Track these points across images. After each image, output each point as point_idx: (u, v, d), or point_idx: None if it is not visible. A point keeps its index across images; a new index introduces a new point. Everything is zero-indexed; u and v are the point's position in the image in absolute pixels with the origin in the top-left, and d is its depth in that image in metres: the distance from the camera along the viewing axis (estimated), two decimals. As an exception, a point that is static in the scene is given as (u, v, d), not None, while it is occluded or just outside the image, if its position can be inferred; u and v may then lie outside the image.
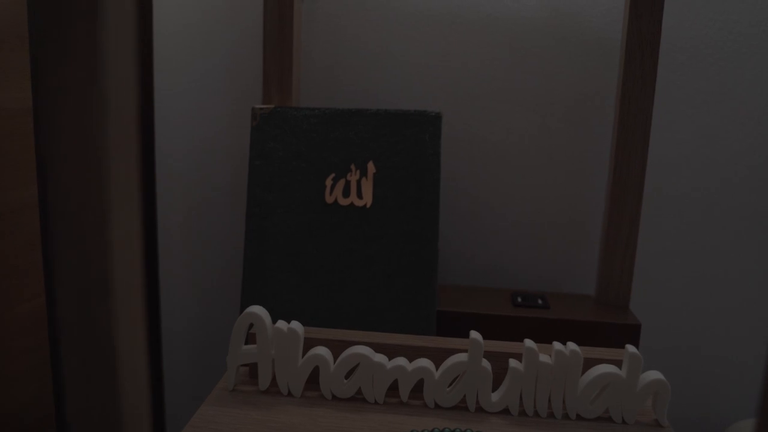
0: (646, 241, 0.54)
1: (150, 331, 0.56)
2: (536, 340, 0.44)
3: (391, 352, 0.39)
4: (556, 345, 0.37)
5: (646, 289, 0.55)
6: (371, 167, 0.42)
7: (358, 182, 0.42)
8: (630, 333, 0.46)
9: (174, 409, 0.59)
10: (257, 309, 0.39)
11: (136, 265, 0.16)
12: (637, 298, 0.55)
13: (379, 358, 0.38)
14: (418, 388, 0.39)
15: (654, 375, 0.38)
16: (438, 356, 0.39)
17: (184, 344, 0.59)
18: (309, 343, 0.39)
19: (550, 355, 0.38)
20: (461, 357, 0.38)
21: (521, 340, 0.39)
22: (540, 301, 0.48)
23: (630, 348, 0.37)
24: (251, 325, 0.39)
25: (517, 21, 0.53)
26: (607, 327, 0.45)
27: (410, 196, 0.42)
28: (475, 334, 0.37)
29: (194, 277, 0.58)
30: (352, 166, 0.42)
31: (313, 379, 0.39)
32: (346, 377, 0.39)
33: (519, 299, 0.48)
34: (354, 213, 0.43)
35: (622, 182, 0.47)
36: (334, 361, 0.39)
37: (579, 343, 0.45)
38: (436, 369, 0.38)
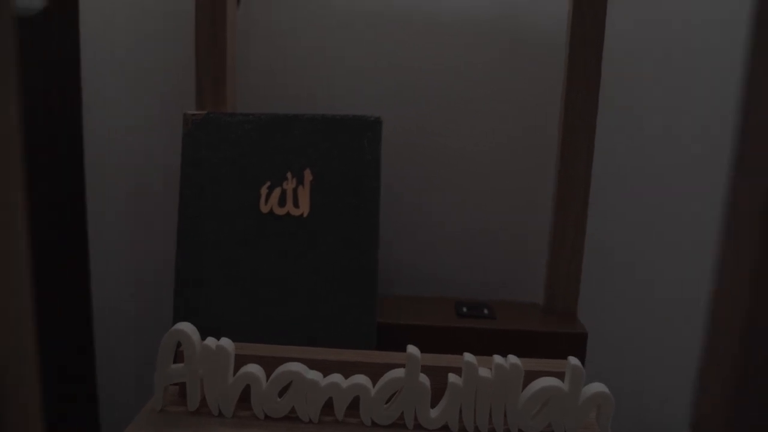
0: (594, 249, 0.53)
1: (83, 349, 0.54)
2: (481, 351, 0.43)
3: (326, 368, 0.37)
4: (497, 358, 0.36)
5: (595, 297, 0.54)
6: (308, 174, 0.41)
7: (294, 190, 0.41)
8: (576, 342, 0.45)
9: (110, 430, 0.56)
10: (184, 326, 0.37)
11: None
12: (587, 306, 0.54)
13: (313, 375, 0.36)
14: (355, 405, 0.37)
15: (597, 387, 0.37)
16: (376, 372, 0.37)
17: (120, 362, 0.56)
18: (241, 360, 0.38)
19: (491, 369, 0.36)
20: (398, 372, 0.36)
21: (466, 352, 0.38)
22: (486, 311, 0.47)
23: (572, 360, 0.36)
24: (180, 343, 0.37)
25: (464, 21, 0.52)
26: (553, 336, 0.45)
27: (349, 204, 0.41)
28: (412, 349, 0.36)
29: (128, 290, 0.55)
30: (289, 174, 0.41)
31: (246, 398, 0.37)
32: (280, 395, 0.37)
33: (464, 309, 0.47)
34: (290, 222, 0.41)
35: (566, 187, 0.47)
36: (267, 379, 0.37)
37: (525, 354, 0.44)
38: (373, 385, 0.37)
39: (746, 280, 0.20)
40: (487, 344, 0.45)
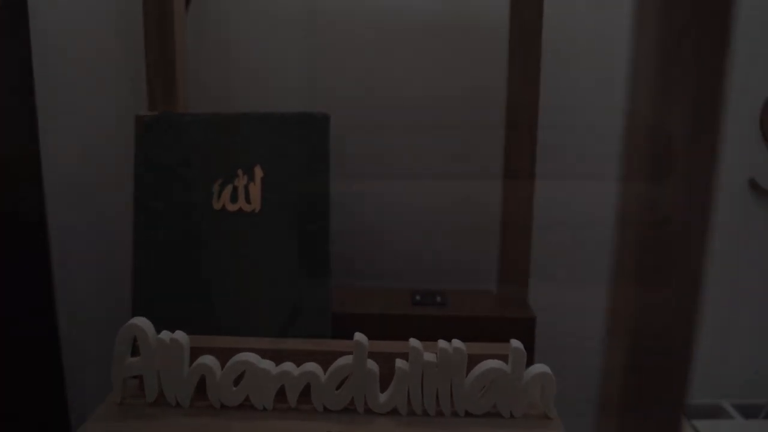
0: (542, 239, 0.55)
1: (48, 351, 0.55)
2: (435, 338, 0.44)
3: (280, 357, 0.39)
4: (441, 343, 0.38)
5: (546, 283, 0.56)
6: (258, 171, 0.42)
7: (246, 187, 0.42)
8: (526, 327, 0.47)
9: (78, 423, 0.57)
10: (139, 320, 0.38)
11: None
12: (539, 292, 0.56)
13: (266, 364, 0.38)
14: (308, 392, 0.38)
15: (539, 368, 0.39)
16: (328, 360, 0.39)
17: (86, 359, 0.57)
18: (196, 352, 0.39)
19: (437, 353, 0.38)
20: (347, 359, 0.38)
21: (421, 339, 0.40)
22: (438, 299, 0.48)
23: (514, 343, 0.38)
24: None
25: (409, 15, 0.53)
26: (503, 322, 0.46)
27: (300, 199, 0.42)
28: (359, 336, 0.37)
29: (89, 289, 0.56)
30: (239, 171, 0.42)
31: (203, 388, 0.39)
32: (235, 385, 0.38)
33: (418, 298, 0.48)
34: (243, 218, 0.42)
35: (513, 175, 0.48)
36: (222, 369, 0.38)
37: (477, 339, 0.46)
38: (324, 372, 0.38)
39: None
40: (440, 331, 0.46)
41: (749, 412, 0.57)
